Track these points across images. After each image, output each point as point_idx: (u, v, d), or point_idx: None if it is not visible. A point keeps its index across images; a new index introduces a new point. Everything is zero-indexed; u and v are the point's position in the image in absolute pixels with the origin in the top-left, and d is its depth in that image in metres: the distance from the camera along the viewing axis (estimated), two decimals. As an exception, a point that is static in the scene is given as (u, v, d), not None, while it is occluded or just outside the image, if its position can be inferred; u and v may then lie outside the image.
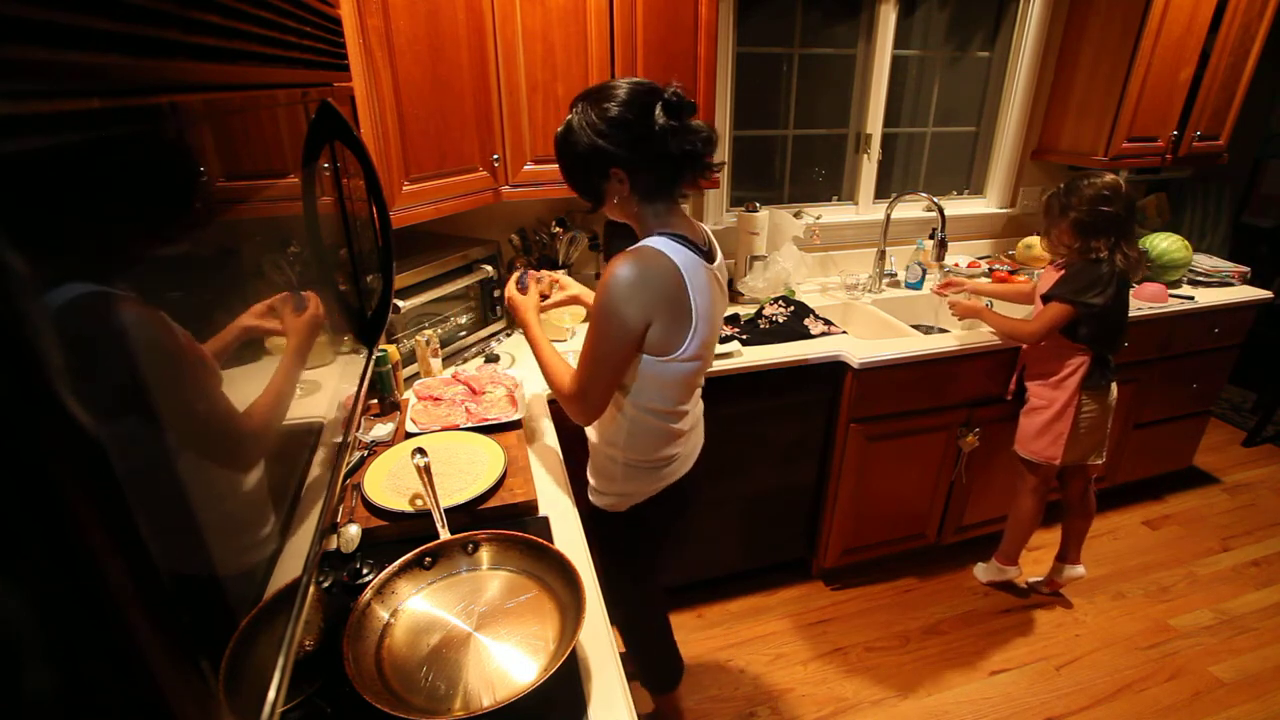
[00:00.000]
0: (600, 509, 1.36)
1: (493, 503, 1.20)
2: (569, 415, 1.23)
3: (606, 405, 1.20)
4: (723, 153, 2.33)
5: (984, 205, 2.78)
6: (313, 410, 0.71)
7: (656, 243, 1.10)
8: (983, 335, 2.03)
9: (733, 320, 2.08)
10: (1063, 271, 1.82)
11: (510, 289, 1.44)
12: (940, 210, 2.21)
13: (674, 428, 1.26)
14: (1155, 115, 2.37)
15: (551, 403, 1.65)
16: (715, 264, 1.20)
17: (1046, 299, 1.82)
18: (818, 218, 2.41)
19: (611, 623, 1.01)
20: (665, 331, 1.12)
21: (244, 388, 0.52)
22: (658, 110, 1.06)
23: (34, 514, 0.24)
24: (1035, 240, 2.54)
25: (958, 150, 2.74)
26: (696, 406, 1.33)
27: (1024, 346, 1.98)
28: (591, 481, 1.36)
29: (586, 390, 1.16)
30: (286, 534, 0.56)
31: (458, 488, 1.20)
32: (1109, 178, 1.74)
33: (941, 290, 2.17)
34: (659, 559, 1.46)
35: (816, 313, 2.11)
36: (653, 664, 1.63)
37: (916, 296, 2.46)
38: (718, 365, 1.82)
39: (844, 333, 2.05)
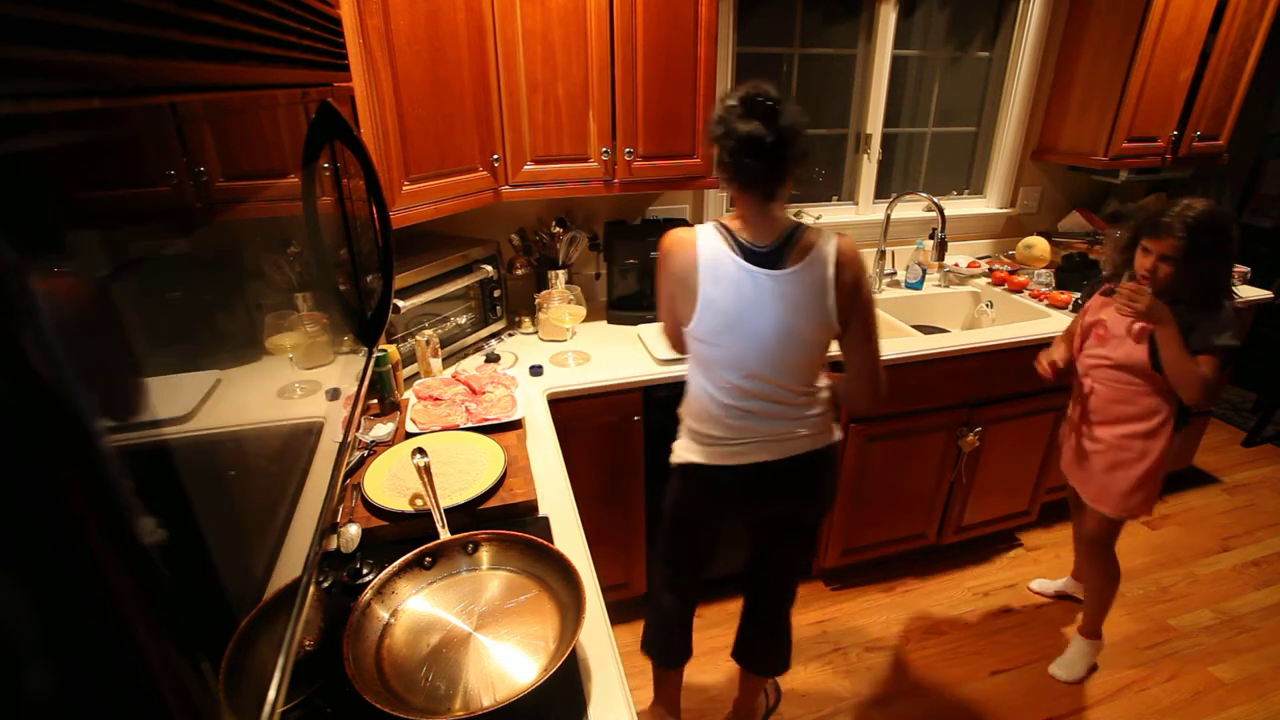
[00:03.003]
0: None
1: (493, 503, 1.19)
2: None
3: (676, 345, 1.38)
4: (723, 153, 2.33)
5: (984, 205, 2.78)
6: (313, 410, 0.71)
7: (700, 226, 1.25)
8: (983, 335, 2.02)
9: (733, 320, 2.08)
10: (1145, 313, 1.52)
11: None
12: (940, 210, 2.21)
13: (710, 408, 1.31)
14: (1155, 115, 2.37)
15: (552, 402, 1.66)
16: (775, 270, 1.19)
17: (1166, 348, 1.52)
18: (818, 218, 2.41)
19: None
20: (679, 301, 1.27)
21: (244, 388, 0.52)
22: (718, 115, 1.17)
23: (34, 514, 0.24)
24: (1035, 240, 2.54)
25: (958, 150, 2.74)
26: (744, 419, 1.29)
27: (1093, 389, 1.70)
28: None
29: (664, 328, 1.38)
30: (286, 534, 0.56)
31: (458, 488, 1.20)
32: (1205, 201, 1.49)
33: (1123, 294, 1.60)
34: (671, 533, 1.53)
35: (816, 313, 2.10)
36: (647, 623, 1.69)
37: (916, 296, 2.46)
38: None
39: (844, 333, 2.04)
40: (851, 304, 1.22)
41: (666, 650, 1.67)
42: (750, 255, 1.20)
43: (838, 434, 1.38)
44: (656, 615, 1.66)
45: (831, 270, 1.19)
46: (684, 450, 1.39)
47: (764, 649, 1.71)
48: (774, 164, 1.15)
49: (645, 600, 1.67)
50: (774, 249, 1.20)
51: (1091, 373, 1.71)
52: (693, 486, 1.40)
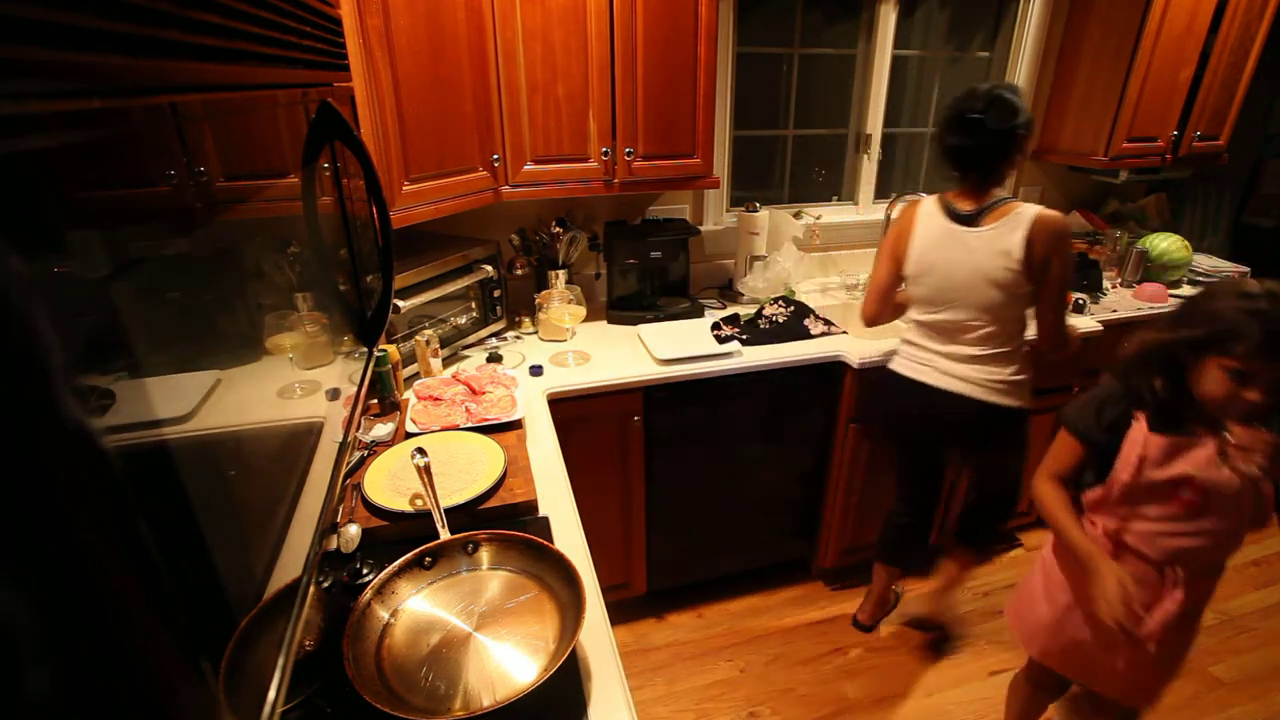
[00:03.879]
0: None
1: (493, 503, 1.19)
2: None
3: (882, 300, 1.74)
4: (723, 153, 2.33)
5: (984, 205, 2.78)
6: (313, 410, 0.71)
7: (925, 196, 1.66)
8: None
9: (733, 320, 2.08)
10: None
11: None
12: (940, 210, 2.20)
13: (905, 331, 1.76)
14: (1155, 115, 2.37)
15: (552, 402, 1.66)
16: (972, 228, 1.54)
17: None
18: (818, 218, 2.41)
19: None
20: (899, 247, 1.66)
21: (244, 388, 0.52)
22: (943, 123, 1.55)
23: (34, 514, 0.24)
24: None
25: (958, 150, 2.73)
26: (932, 341, 1.67)
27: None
28: None
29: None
30: (286, 534, 0.56)
31: (458, 488, 1.20)
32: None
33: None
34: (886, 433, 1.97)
35: (817, 313, 2.11)
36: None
37: (916, 296, 2.46)
38: (718, 365, 1.82)
39: (844, 333, 2.05)
40: (1040, 273, 1.50)
41: (885, 550, 2.01)
42: (954, 216, 1.56)
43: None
44: (888, 527, 1.99)
45: (1021, 234, 1.49)
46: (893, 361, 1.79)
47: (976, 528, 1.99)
48: (980, 161, 1.52)
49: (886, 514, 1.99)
50: (974, 213, 1.54)
51: (1182, 556, 1.15)
52: (883, 389, 1.80)
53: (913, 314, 1.69)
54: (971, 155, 1.52)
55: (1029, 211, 1.49)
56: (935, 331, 1.66)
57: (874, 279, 1.73)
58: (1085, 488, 1.26)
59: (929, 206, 1.60)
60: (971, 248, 1.53)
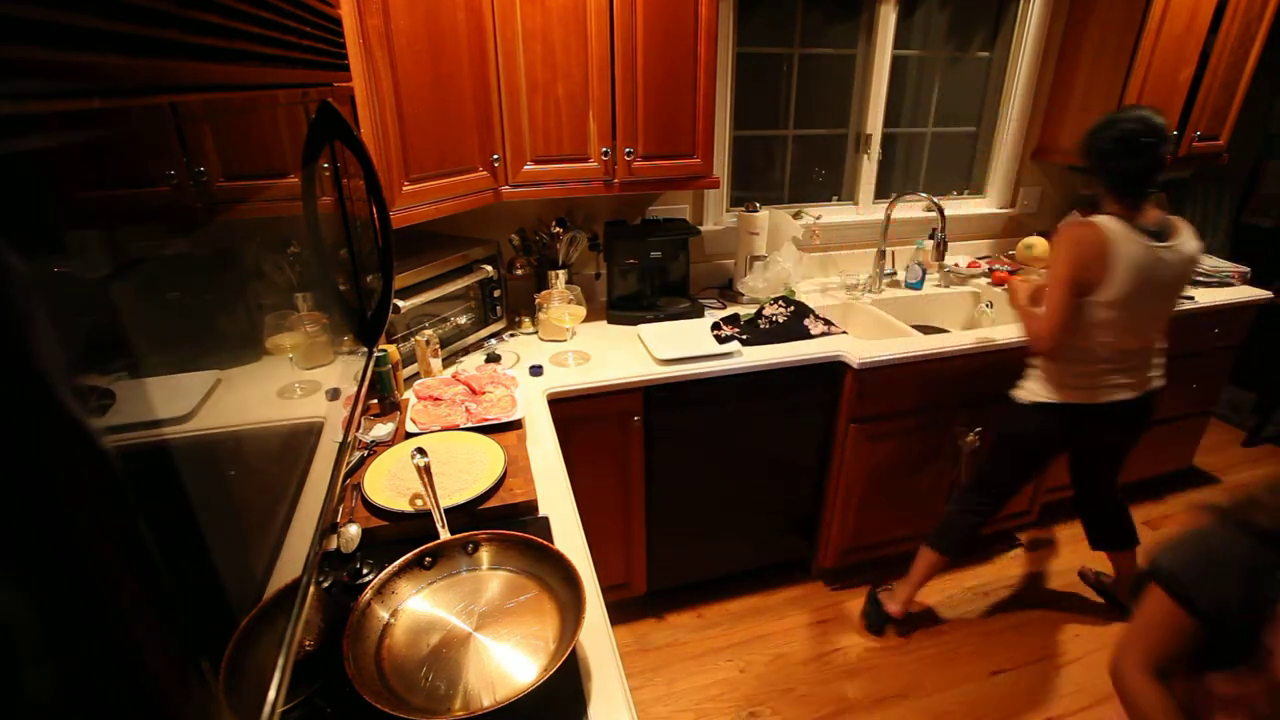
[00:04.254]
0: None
1: (493, 503, 1.19)
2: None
3: (1062, 326, 1.62)
4: (723, 153, 2.33)
5: (984, 205, 2.78)
6: (313, 410, 0.71)
7: (1095, 218, 1.60)
8: (983, 335, 2.02)
9: (733, 320, 2.08)
10: None
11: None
12: (940, 210, 2.21)
13: (1090, 355, 1.69)
14: (1155, 115, 2.37)
15: (552, 402, 1.66)
16: (1164, 242, 1.58)
17: None
18: (818, 218, 2.41)
19: None
20: (1091, 272, 1.59)
21: (244, 388, 0.52)
22: (1108, 147, 1.58)
23: (34, 514, 0.24)
24: (1035, 240, 2.54)
25: (958, 150, 2.74)
26: (1118, 358, 1.68)
27: None
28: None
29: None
30: (286, 534, 0.56)
31: (458, 488, 1.20)
32: None
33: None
34: (1010, 462, 1.92)
35: (816, 313, 2.11)
36: (951, 528, 2.01)
37: (916, 296, 2.46)
38: (718, 365, 1.82)
39: (844, 333, 2.05)
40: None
41: (960, 547, 2.01)
42: (1149, 234, 1.58)
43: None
44: (963, 526, 1.98)
45: (1195, 241, 1.61)
46: (1048, 392, 1.75)
47: (1120, 528, 2.09)
48: (1152, 179, 1.57)
49: (955, 508, 2.00)
50: (1160, 228, 1.59)
51: None
52: (1048, 420, 1.77)
53: (1096, 336, 1.64)
54: (1145, 175, 1.58)
55: (1173, 217, 1.63)
56: (1126, 345, 1.66)
57: (1057, 310, 1.61)
58: (1194, 672, 0.92)
59: (1119, 229, 1.57)
60: (1168, 262, 1.59)
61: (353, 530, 1.08)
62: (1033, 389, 1.79)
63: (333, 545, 1.05)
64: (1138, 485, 2.71)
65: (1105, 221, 1.58)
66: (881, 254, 2.43)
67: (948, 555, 1.99)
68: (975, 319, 2.47)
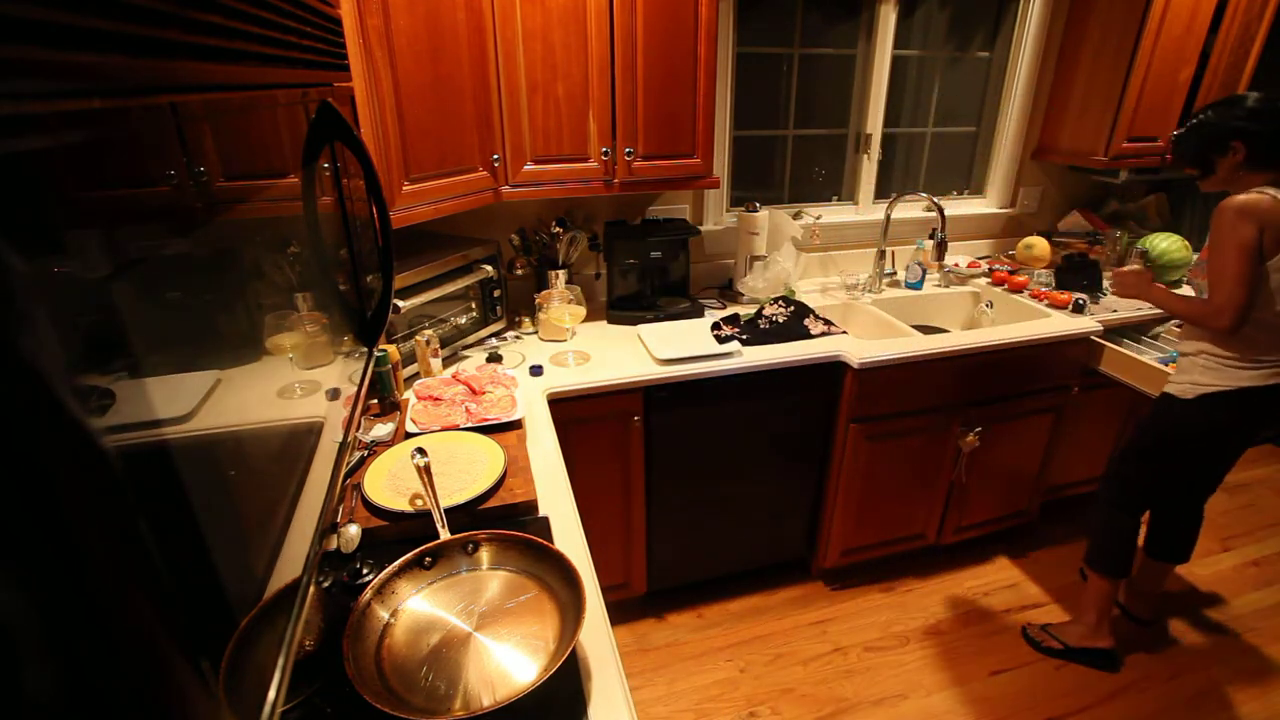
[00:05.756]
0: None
1: (493, 503, 1.19)
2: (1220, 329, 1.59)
3: (1244, 299, 1.55)
4: (723, 153, 2.33)
5: (984, 205, 2.78)
6: (313, 410, 0.72)
7: (1255, 192, 1.55)
8: (983, 335, 2.02)
9: (733, 320, 2.08)
10: None
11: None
12: (940, 210, 2.21)
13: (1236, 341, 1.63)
14: (1155, 115, 2.37)
15: (552, 402, 1.66)
16: None
17: None
18: (818, 218, 2.41)
19: None
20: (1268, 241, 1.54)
21: (244, 388, 0.52)
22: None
23: (34, 514, 0.24)
24: (1035, 240, 2.54)
25: (958, 150, 2.74)
26: None
27: None
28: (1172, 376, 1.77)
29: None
30: (286, 534, 0.56)
31: (458, 488, 1.20)
32: None
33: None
34: (1171, 460, 1.82)
35: (816, 313, 2.11)
36: (1103, 543, 1.93)
37: (916, 296, 2.46)
38: (718, 365, 1.82)
39: (844, 333, 2.05)
40: None
41: (1128, 563, 1.93)
42: None
43: None
44: (1116, 535, 1.91)
45: None
46: (1223, 379, 1.65)
47: (1188, 541, 2.04)
48: None
49: (1102, 525, 1.93)
50: None
51: None
52: (1223, 412, 1.68)
53: (1276, 305, 1.58)
54: None
55: None
56: None
57: (1239, 279, 1.55)
58: None
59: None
60: None
61: (353, 530, 1.07)
62: (1199, 380, 1.68)
63: (333, 545, 1.05)
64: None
65: (1271, 194, 1.54)
66: (881, 254, 2.43)
67: (1119, 576, 1.92)
68: (975, 319, 2.47)
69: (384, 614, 0.90)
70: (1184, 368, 1.74)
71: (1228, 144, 1.59)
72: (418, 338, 1.68)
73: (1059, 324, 2.12)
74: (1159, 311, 2.23)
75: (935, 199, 2.23)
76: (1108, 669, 1.98)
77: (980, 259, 2.69)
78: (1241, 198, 1.56)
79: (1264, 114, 1.56)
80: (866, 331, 2.27)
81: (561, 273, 1.89)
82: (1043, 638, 2.05)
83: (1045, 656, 2.02)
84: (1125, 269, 1.92)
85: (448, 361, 1.81)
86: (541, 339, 2.00)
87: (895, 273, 2.55)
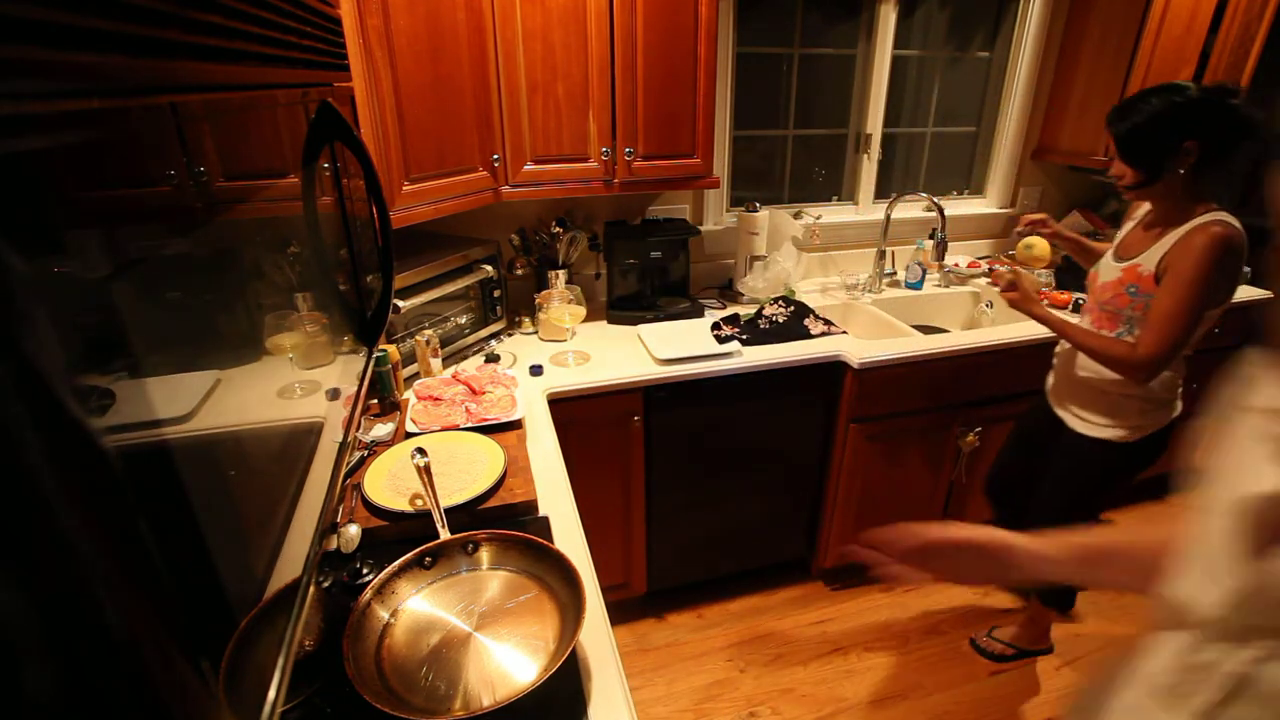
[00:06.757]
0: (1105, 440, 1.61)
1: (493, 503, 1.19)
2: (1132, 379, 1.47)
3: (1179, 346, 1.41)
4: (723, 153, 2.33)
5: (984, 205, 2.78)
6: (313, 410, 0.71)
7: (1229, 218, 1.44)
8: (983, 335, 2.02)
9: (733, 320, 2.08)
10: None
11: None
12: (940, 210, 2.21)
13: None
14: (1155, 115, 2.37)
15: (552, 402, 1.65)
16: None
17: None
18: (818, 218, 2.41)
19: None
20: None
21: (244, 388, 0.52)
22: None
23: (33, 514, 0.24)
24: (1035, 240, 2.53)
25: (958, 150, 2.74)
26: None
27: None
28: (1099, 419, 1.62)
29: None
30: (286, 534, 0.56)
31: (458, 488, 1.20)
32: None
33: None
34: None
35: (816, 313, 2.11)
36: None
37: (916, 296, 2.46)
38: (718, 365, 1.82)
39: (844, 333, 2.05)
40: None
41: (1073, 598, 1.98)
42: None
43: None
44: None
45: None
46: (1129, 423, 1.59)
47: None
48: None
49: None
50: None
51: None
52: (1158, 448, 1.62)
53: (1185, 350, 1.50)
54: None
55: None
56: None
57: (1187, 327, 1.42)
58: None
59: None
60: None
61: (353, 530, 1.07)
62: (1141, 424, 1.58)
63: (333, 545, 1.05)
64: (1139, 485, 2.71)
65: (1235, 220, 1.38)
66: (881, 254, 2.43)
67: (1063, 610, 2.00)
68: (975, 319, 2.47)
69: (384, 614, 0.90)
70: (1118, 410, 1.59)
71: (1178, 143, 1.34)
72: (418, 338, 1.68)
73: (1059, 324, 2.11)
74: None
75: (935, 199, 2.23)
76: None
77: (980, 259, 2.69)
78: (1233, 232, 1.35)
79: (1216, 108, 1.34)
80: (866, 331, 2.27)
81: (561, 273, 1.89)
82: (990, 644, 2.05)
83: (1045, 656, 2.02)
84: (1006, 274, 1.70)
85: (448, 361, 1.81)
86: (541, 339, 2.00)
87: (895, 273, 2.55)
